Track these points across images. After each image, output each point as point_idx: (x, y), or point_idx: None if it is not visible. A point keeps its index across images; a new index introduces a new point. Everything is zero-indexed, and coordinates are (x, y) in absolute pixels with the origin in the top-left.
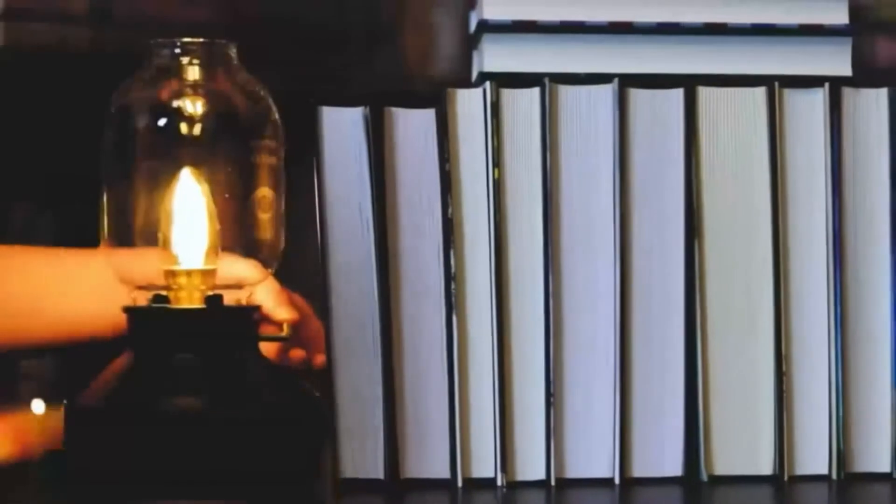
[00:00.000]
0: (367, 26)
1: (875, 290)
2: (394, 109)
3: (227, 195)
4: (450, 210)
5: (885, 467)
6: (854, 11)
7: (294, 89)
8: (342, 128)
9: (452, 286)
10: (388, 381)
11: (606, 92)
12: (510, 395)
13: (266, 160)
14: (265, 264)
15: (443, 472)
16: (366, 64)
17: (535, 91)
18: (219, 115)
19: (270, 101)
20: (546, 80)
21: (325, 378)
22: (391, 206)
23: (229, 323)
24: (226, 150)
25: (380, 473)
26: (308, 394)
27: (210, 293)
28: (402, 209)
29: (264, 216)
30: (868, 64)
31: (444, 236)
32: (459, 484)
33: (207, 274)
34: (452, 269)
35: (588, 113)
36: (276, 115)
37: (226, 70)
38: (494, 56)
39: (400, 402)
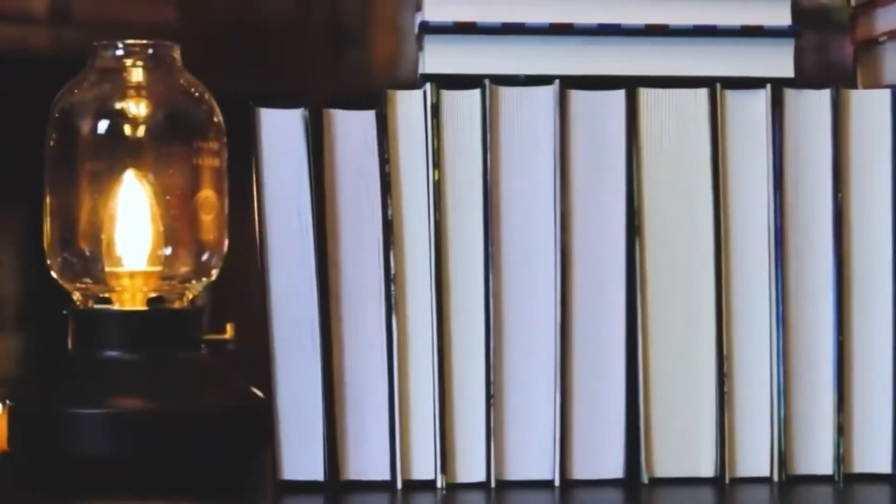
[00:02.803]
0: (331, 27)
1: (817, 292)
2: (333, 111)
3: (169, 197)
4: (390, 211)
5: (826, 469)
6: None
7: (258, 90)
8: (281, 129)
9: (392, 287)
10: (327, 383)
11: (547, 93)
12: (450, 396)
13: (209, 162)
14: (208, 265)
15: (383, 473)
16: (330, 65)
17: (476, 93)
18: (161, 117)
19: (213, 102)
20: (486, 82)
21: (264, 379)
22: (331, 207)
23: (171, 325)
24: (168, 152)
25: (319, 475)
26: (251, 395)
27: (152, 295)
28: (341, 210)
29: (207, 218)
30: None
31: (384, 237)
32: (399, 486)
33: (150, 276)
34: (392, 270)
35: (529, 114)
36: (219, 117)
37: (169, 72)
38: (435, 57)
39: (339, 403)
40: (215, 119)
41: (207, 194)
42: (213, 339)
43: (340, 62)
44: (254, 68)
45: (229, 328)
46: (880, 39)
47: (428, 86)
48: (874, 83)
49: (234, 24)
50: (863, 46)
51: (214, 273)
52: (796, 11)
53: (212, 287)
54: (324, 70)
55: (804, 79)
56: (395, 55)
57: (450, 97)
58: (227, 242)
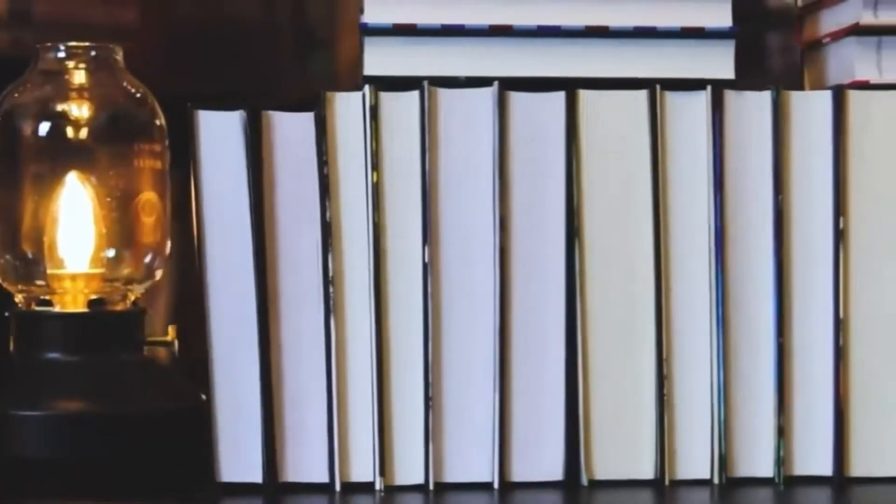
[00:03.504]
0: (296, 28)
1: (757, 294)
2: (272, 112)
3: (110, 199)
4: (328, 213)
5: (767, 472)
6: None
7: (221, 91)
8: (219, 131)
9: (331, 289)
10: (265, 385)
11: (486, 95)
12: (388, 398)
13: (150, 164)
14: (150, 267)
15: (321, 475)
16: (295, 65)
17: (415, 94)
18: (103, 119)
19: (156, 105)
20: (425, 84)
21: (203, 381)
22: (269, 208)
23: (113, 327)
24: (110, 155)
25: (258, 477)
26: (191, 397)
27: (94, 297)
28: (280, 212)
29: (148, 220)
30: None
31: (323, 239)
32: (337, 488)
33: (92, 278)
34: (331, 272)
35: (467, 116)
36: (162, 120)
37: (111, 74)
38: (375, 59)
39: (278, 405)
40: (157, 121)
41: (149, 196)
42: (155, 341)
43: (305, 64)
44: (216, 70)
45: (171, 330)
46: (824, 41)
47: (367, 88)
48: (819, 84)
49: (197, 26)
50: (809, 47)
51: (157, 275)
52: (762, 13)
53: (155, 288)
54: (288, 72)
55: (773, 79)
56: (358, 57)
57: (388, 99)
58: (169, 244)
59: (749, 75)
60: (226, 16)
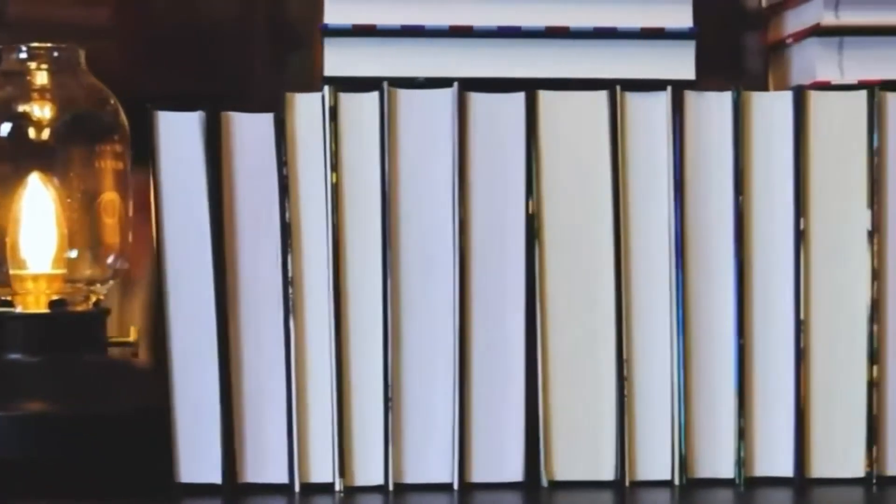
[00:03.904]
0: (274, 28)
1: (718, 294)
2: (232, 114)
3: (72, 200)
4: (287, 214)
5: (727, 473)
6: None
7: (195, 91)
8: (179, 132)
9: (290, 290)
10: (225, 386)
11: (445, 96)
12: (348, 399)
13: (112, 165)
14: (112, 268)
15: (281, 476)
16: (271, 66)
17: (374, 95)
18: (66, 120)
19: (118, 105)
20: (384, 84)
21: (162, 382)
22: (229, 209)
23: (75, 327)
24: (72, 155)
25: (217, 478)
26: (152, 398)
27: (56, 297)
28: (239, 213)
29: (110, 220)
30: None
31: (282, 240)
32: (297, 489)
33: (54, 278)
34: (290, 274)
35: (427, 117)
36: (124, 120)
37: (74, 75)
38: (335, 60)
39: (237, 406)
40: (119, 122)
41: (111, 197)
42: (117, 341)
43: (283, 64)
44: (190, 70)
45: (133, 331)
46: (787, 41)
47: (326, 88)
48: (783, 85)
49: (172, 27)
50: (773, 48)
51: (120, 275)
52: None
53: (119, 289)
54: (266, 71)
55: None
56: None
57: (348, 100)
58: (129, 244)
59: (721, 76)
60: (201, 16)
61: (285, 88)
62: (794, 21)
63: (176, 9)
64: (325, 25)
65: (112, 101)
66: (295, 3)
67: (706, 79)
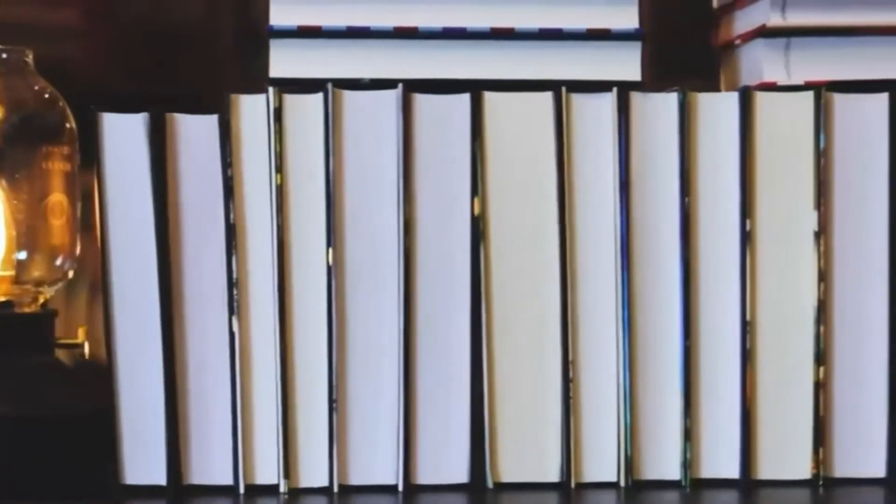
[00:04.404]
0: (240, 30)
1: (664, 295)
2: (177, 115)
3: (18, 202)
4: (232, 215)
5: (673, 475)
6: None
7: (159, 92)
8: (123, 134)
9: (235, 291)
10: (170, 387)
11: (390, 97)
12: (293, 401)
13: (60, 166)
14: (61, 269)
15: (226, 478)
16: (238, 68)
17: (319, 97)
18: (13, 122)
19: (66, 107)
20: (329, 86)
21: (107, 383)
22: (173, 211)
23: (22, 329)
24: (20, 157)
25: (162, 479)
26: (98, 399)
27: (3, 299)
28: (184, 214)
29: (57, 222)
30: None
31: (227, 241)
32: (242, 490)
33: (1, 280)
34: (235, 275)
35: (372, 118)
36: (72, 122)
37: (22, 77)
38: (280, 62)
39: (182, 407)
40: (67, 124)
41: (58, 199)
42: (65, 343)
43: (249, 65)
44: (158, 71)
45: (81, 332)
46: (736, 42)
47: (270, 90)
48: (734, 86)
49: (141, 27)
50: (724, 49)
51: (69, 276)
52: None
53: (66, 290)
54: (231, 73)
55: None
56: None
57: (292, 101)
58: (79, 246)
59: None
60: (169, 17)
61: (251, 89)
62: (743, 22)
63: (141, 9)
64: (271, 27)
65: (60, 104)
66: (261, 3)
67: (664, 80)
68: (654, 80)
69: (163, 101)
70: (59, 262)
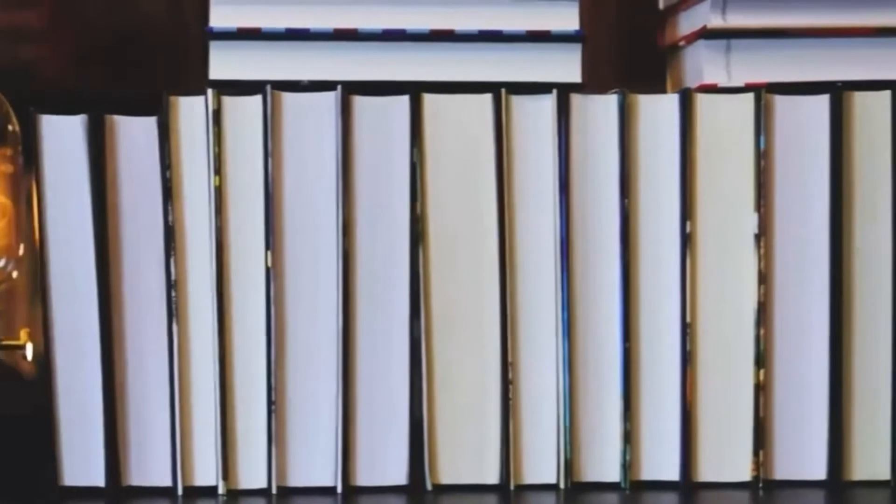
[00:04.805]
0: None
1: (604, 297)
2: (115, 117)
3: None
4: (171, 217)
5: (613, 477)
6: None
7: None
8: (62, 136)
9: (173, 293)
10: (108, 389)
11: (329, 99)
12: (232, 403)
13: (2, 168)
14: (3, 271)
15: (164, 479)
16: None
17: (258, 98)
18: None
19: (9, 109)
20: (268, 88)
21: (46, 385)
22: (112, 213)
23: None
24: None
25: (100, 481)
26: (36, 400)
27: None
28: (123, 216)
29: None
30: None
31: (166, 243)
32: (180, 492)
33: None
34: (173, 276)
35: (311, 120)
36: (15, 124)
37: None
38: (220, 64)
39: (121, 409)
40: (10, 126)
41: (1, 200)
42: (7, 344)
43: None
44: (125, 72)
45: (23, 334)
46: (680, 44)
47: (209, 92)
48: (679, 87)
49: (106, 28)
50: (670, 50)
51: (12, 277)
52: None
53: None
54: (196, 75)
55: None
56: None
57: (231, 103)
58: (22, 248)
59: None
60: (133, 17)
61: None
62: (686, 23)
63: (106, 9)
64: (210, 28)
65: (4, 106)
66: None
67: (614, 83)
68: (603, 82)
69: (121, 103)
70: (1, 263)
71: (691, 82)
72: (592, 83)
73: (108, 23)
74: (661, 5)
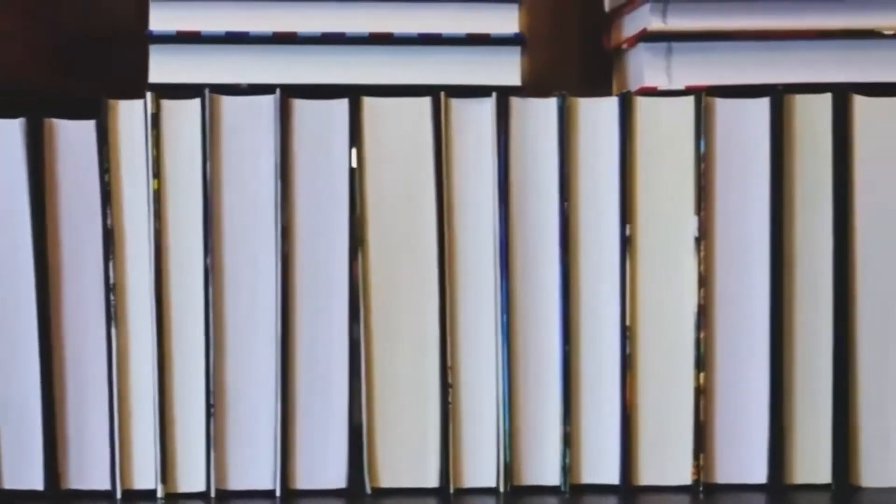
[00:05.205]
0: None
1: (543, 301)
2: (54, 120)
3: None
4: (110, 221)
5: (553, 480)
6: None
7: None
8: (0, 139)
9: (112, 297)
10: (47, 393)
11: (268, 102)
12: (171, 406)
13: None
14: None
15: (103, 483)
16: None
17: (196, 102)
18: None
19: None
20: (206, 91)
21: None
22: (51, 216)
23: None
24: None
25: (39, 485)
26: None
27: None
28: (62, 220)
29: None
30: None
31: (105, 247)
32: (119, 495)
33: None
34: (112, 280)
35: (250, 124)
36: None
37: None
38: (159, 67)
39: (61, 413)
40: None
41: None
42: None
43: None
44: (91, 72)
45: None
46: (623, 46)
47: (148, 95)
48: (622, 90)
49: (78, 30)
50: (615, 53)
51: None
52: None
53: None
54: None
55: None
56: None
57: (170, 106)
58: None
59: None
60: (103, 18)
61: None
62: (630, 26)
63: (74, 10)
64: (150, 32)
65: None
66: None
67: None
68: (566, 85)
69: (70, 105)
70: None
71: (633, 85)
72: (552, 86)
73: (69, 23)
74: (607, 7)
